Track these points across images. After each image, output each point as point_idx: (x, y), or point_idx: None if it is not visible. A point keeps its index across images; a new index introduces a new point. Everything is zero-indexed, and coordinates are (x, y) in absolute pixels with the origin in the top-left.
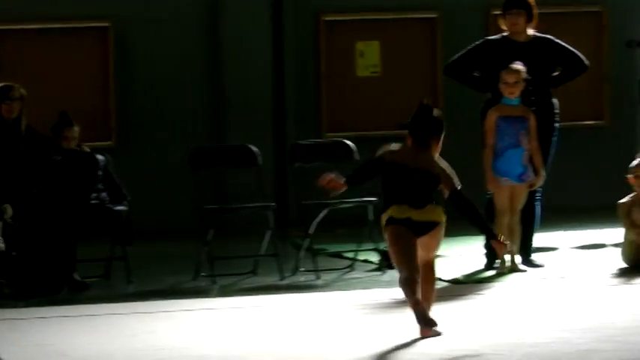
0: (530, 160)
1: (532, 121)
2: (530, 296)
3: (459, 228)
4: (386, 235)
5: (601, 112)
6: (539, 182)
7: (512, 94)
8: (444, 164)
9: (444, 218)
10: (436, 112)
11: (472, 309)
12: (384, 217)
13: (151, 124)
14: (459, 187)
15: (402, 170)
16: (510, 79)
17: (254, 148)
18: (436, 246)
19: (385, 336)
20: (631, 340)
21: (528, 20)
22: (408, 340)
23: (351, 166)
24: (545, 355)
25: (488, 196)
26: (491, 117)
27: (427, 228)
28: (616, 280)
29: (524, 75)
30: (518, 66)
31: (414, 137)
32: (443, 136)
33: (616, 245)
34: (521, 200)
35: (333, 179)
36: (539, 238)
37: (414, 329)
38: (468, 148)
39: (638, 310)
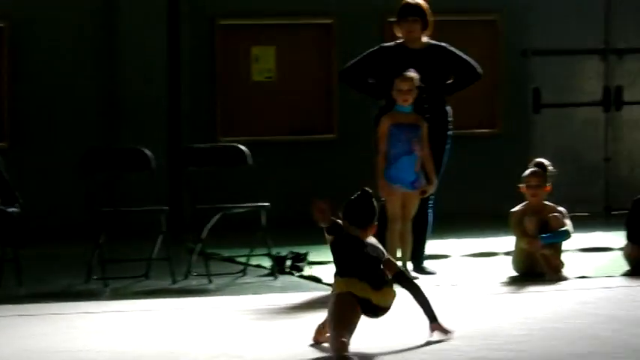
0: (423, 167)
1: (424, 129)
2: None
3: None
4: (335, 297)
5: (494, 119)
6: (432, 190)
7: (405, 102)
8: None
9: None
10: (374, 201)
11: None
12: (341, 286)
13: (45, 125)
14: (402, 269)
15: (354, 240)
16: (404, 86)
17: (147, 152)
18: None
19: (276, 341)
20: (520, 348)
21: (423, 28)
22: (297, 345)
23: (244, 171)
24: None
25: (380, 203)
26: (385, 124)
27: (381, 312)
28: (506, 288)
29: (418, 82)
30: (412, 73)
31: (350, 220)
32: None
33: (507, 253)
34: (413, 207)
35: (326, 210)
36: (431, 246)
37: (305, 335)
38: (361, 155)
39: (527, 317)
